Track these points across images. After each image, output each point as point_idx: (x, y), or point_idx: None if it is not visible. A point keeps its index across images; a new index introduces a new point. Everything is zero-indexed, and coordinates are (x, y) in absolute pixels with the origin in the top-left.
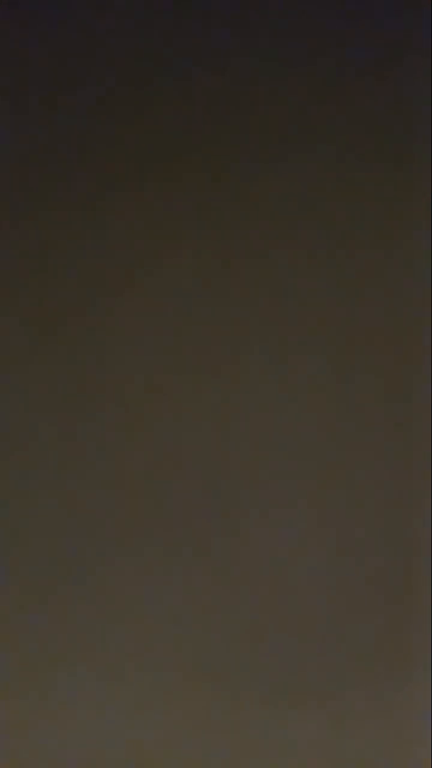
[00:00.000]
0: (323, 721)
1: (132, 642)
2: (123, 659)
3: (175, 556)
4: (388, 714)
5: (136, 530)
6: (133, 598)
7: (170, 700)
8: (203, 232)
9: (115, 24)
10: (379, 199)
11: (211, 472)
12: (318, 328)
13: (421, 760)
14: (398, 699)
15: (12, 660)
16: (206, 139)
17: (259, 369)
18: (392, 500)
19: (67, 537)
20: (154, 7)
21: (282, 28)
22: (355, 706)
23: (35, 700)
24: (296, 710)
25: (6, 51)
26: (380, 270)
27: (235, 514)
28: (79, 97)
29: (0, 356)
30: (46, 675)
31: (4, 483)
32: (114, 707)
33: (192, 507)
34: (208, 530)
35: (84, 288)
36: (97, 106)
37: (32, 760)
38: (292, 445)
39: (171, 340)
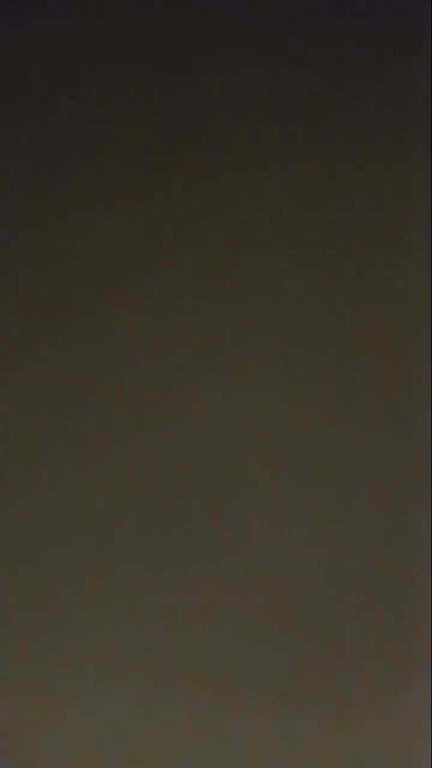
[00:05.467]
0: (323, 721)
1: (132, 642)
2: (123, 659)
3: (175, 555)
4: (388, 714)
5: (136, 530)
6: (134, 598)
7: (170, 699)
8: (203, 231)
9: (115, 24)
10: (379, 199)
11: (211, 472)
12: (318, 328)
13: (421, 759)
14: (398, 699)
15: (12, 660)
16: (205, 138)
17: (259, 369)
18: (392, 500)
19: (67, 537)
20: (153, 7)
21: (282, 28)
22: (355, 706)
23: (35, 700)
24: (296, 710)
25: (6, 51)
26: (380, 270)
27: (235, 513)
28: (79, 98)
29: (0, 357)
30: (46, 675)
31: (5, 483)
32: (114, 707)
33: (192, 507)
34: (208, 530)
35: (84, 288)
36: (97, 106)
37: (32, 759)
38: (292, 446)
39: (171, 341)
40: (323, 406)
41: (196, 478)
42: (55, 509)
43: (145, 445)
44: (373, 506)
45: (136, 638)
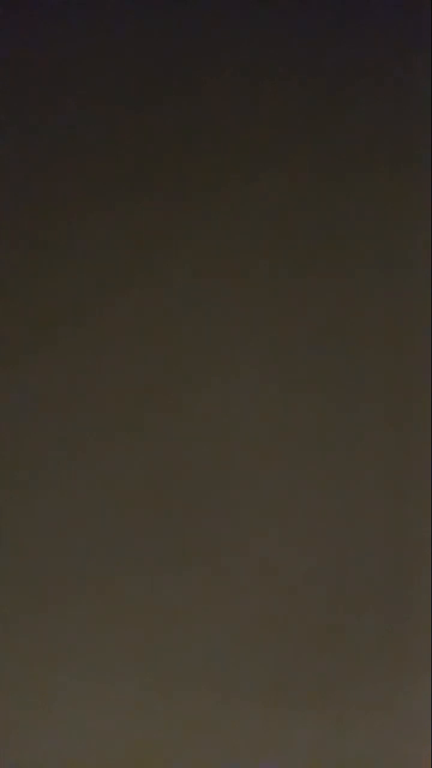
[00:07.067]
0: (323, 721)
1: (132, 642)
2: (123, 659)
3: (175, 557)
4: (388, 714)
5: (135, 531)
6: (134, 599)
7: (170, 700)
8: (202, 233)
9: (115, 24)
10: (380, 200)
11: (211, 473)
12: (318, 329)
13: (421, 759)
14: (398, 699)
15: (12, 660)
16: (205, 140)
17: (259, 371)
18: (392, 500)
19: (67, 538)
20: (154, 7)
21: (282, 28)
22: (355, 706)
23: (35, 700)
24: (296, 710)
25: (6, 51)
26: (380, 271)
27: (235, 514)
28: (79, 98)
29: (0, 358)
30: (46, 675)
31: (5, 484)
32: (114, 707)
33: (191, 508)
34: (207, 531)
35: (84, 290)
36: (97, 107)
37: (32, 759)
38: (292, 447)
39: (171, 343)
40: (323, 406)
41: (196, 478)
42: (55, 511)
43: (145, 446)
44: (373, 506)
45: (136, 639)
